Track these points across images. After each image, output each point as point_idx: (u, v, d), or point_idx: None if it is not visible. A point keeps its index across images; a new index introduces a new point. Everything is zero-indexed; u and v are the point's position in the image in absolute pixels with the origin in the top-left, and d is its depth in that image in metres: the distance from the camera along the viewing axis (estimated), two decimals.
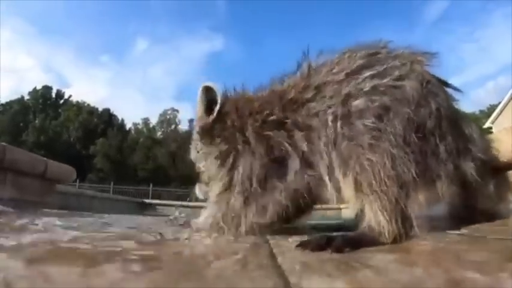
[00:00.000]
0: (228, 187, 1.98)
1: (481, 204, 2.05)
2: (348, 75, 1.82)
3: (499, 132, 2.57)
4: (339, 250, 1.38)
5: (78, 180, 25.52)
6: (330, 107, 1.80)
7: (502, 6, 72.19)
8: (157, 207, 19.96)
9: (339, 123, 1.76)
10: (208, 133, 2.10)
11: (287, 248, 1.49)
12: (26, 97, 53.40)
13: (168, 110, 58.26)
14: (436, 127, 1.73)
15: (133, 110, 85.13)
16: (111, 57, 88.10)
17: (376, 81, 1.76)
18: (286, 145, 1.85)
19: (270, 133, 1.89)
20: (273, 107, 1.95)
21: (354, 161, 1.69)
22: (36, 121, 49.40)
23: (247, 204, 1.90)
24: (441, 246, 1.51)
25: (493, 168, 2.35)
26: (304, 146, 1.82)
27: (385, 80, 1.76)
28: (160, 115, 57.88)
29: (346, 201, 1.81)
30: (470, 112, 45.39)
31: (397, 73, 1.78)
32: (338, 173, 1.76)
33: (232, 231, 1.91)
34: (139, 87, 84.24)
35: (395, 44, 1.96)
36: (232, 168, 1.96)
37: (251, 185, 1.88)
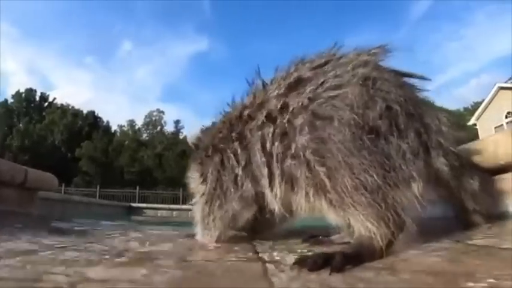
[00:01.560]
0: (202, 194, 2.22)
1: (469, 204, 1.97)
2: (290, 89, 1.92)
3: (497, 135, 2.52)
4: (339, 269, 1.33)
5: (63, 185, 25.29)
6: (268, 124, 1.93)
7: (485, 5, 73.15)
8: (144, 210, 19.91)
9: (278, 141, 1.87)
10: (193, 154, 2.44)
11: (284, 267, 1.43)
12: (10, 100, 52.85)
13: (154, 111, 58.08)
14: (392, 126, 1.69)
15: (119, 111, 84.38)
16: (96, 58, 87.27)
17: (315, 94, 1.81)
18: (232, 156, 2.08)
19: (222, 146, 2.15)
20: (224, 125, 2.22)
21: (306, 178, 1.75)
22: (21, 125, 48.88)
23: (214, 211, 2.12)
24: (450, 259, 1.45)
25: (489, 170, 2.33)
26: (244, 159, 2.02)
27: (324, 91, 1.80)
28: (146, 117, 57.68)
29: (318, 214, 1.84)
30: (455, 109, 46.12)
31: (336, 81, 1.80)
32: (283, 188, 1.87)
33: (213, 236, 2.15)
34: (125, 89, 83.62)
35: (358, 44, 1.98)
36: (204, 179, 2.23)
37: (216, 193, 2.11)
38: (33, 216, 4.17)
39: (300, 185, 1.79)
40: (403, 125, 1.68)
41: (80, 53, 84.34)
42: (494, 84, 28.64)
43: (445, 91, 76.84)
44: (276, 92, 1.97)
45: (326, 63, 1.92)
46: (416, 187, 1.65)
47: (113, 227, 3.52)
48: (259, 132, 1.96)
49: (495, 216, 2.16)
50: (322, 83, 1.82)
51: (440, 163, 1.74)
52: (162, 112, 57.95)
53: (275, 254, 1.72)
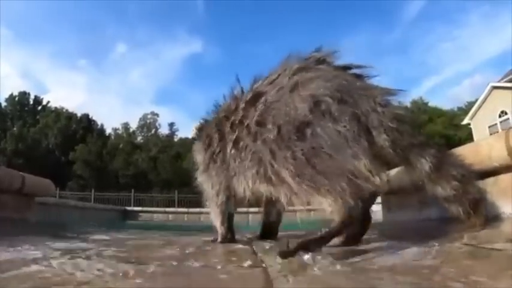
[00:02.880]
0: (207, 178, 2.82)
1: (431, 187, 1.95)
2: (249, 104, 2.30)
3: (491, 137, 2.55)
4: (313, 250, 1.70)
5: (58, 189, 25.09)
6: (231, 133, 2.40)
7: (479, 6, 73.30)
8: (140, 214, 19.79)
9: (236, 147, 2.34)
10: (196, 138, 3.09)
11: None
12: (3, 104, 52.43)
13: (148, 114, 57.62)
14: (326, 116, 1.89)
15: (113, 114, 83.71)
16: (90, 61, 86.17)
17: (262, 109, 2.15)
18: (215, 144, 2.64)
19: (212, 136, 2.70)
20: (214, 121, 2.80)
21: (259, 175, 2.12)
22: (15, 128, 48.41)
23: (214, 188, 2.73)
24: (446, 260, 1.48)
25: (485, 172, 2.35)
26: (223, 152, 2.53)
27: (269, 105, 2.13)
28: (140, 119, 57.27)
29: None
30: (449, 109, 46.19)
31: (279, 94, 2.11)
32: (247, 180, 2.26)
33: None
34: (119, 92, 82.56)
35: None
36: (205, 159, 2.82)
37: (211, 170, 2.72)
38: (32, 222, 4.17)
39: (257, 180, 2.15)
40: (337, 113, 1.88)
41: (74, 55, 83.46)
42: (488, 84, 28.74)
43: (439, 91, 77.25)
44: (242, 104, 2.38)
45: (278, 76, 2.21)
46: (363, 165, 1.81)
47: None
48: (229, 136, 2.44)
49: (491, 217, 2.18)
50: (269, 97, 2.15)
51: (383, 140, 1.87)
52: (157, 115, 57.54)
53: (277, 259, 1.73)
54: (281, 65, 2.28)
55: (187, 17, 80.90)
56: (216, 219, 2.82)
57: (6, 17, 65.66)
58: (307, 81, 2.02)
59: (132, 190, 27.43)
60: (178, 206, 22.91)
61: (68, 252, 1.97)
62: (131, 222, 16.02)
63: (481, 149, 2.45)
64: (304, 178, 1.85)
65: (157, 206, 23.87)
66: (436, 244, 1.78)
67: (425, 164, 1.89)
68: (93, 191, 27.53)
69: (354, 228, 2.07)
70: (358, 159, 1.81)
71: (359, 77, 2.11)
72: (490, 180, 2.47)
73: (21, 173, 4.18)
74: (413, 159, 1.90)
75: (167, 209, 21.10)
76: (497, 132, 26.30)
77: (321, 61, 2.16)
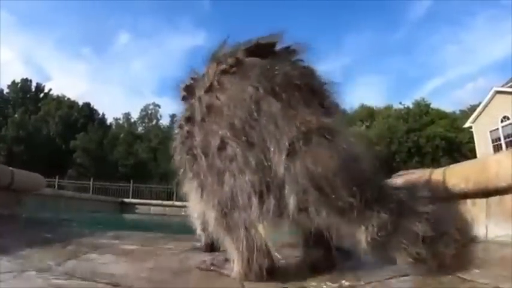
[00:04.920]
0: None
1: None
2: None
3: (499, 155, 2.43)
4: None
5: (57, 177, 25.21)
6: None
7: (485, 9, 72.83)
8: (137, 206, 19.90)
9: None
10: None
11: None
12: (5, 90, 52.33)
13: (150, 104, 57.59)
14: (234, 162, 1.52)
15: (114, 104, 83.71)
16: (92, 50, 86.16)
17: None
18: None
19: None
20: None
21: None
22: (16, 115, 48.34)
23: None
24: None
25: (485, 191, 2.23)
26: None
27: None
28: (142, 110, 57.30)
29: None
30: (451, 111, 46.12)
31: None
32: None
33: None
34: (121, 81, 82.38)
35: None
36: None
37: None
38: (21, 219, 4.09)
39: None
40: (241, 161, 1.50)
41: (77, 43, 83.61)
42: (491, 88, 28.66)
43: (442, 93, 77.17)
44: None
45: (199, 89, 1.84)
46: (262, 228, 1.54)
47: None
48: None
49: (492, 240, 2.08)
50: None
51: (292, 203, 1.43)
52: (158, 106, 57.34)
53: None
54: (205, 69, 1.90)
55: (192, 8, 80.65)
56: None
57: (9, 2, 65.30)
58: (215, 109, 1.63)
59: (131, 181, 27.46)
60: (177, 199, 22.99)
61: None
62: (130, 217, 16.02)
63: (489, 166, 2.31)
64: (219, 223, 1.60)
65: (156, 198, 23.98)
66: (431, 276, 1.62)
67: (362, 237, 1.41)
68: (92, 180, 27.53)
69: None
70: (257, 223, 1.52)
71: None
72: (495, 199, 2.35)
73: (10, 168, 4.08)
74: (349, 226, 1.45)
75: (164, 202, 21.28)
76: (498, 137, 26.51)
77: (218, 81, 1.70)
